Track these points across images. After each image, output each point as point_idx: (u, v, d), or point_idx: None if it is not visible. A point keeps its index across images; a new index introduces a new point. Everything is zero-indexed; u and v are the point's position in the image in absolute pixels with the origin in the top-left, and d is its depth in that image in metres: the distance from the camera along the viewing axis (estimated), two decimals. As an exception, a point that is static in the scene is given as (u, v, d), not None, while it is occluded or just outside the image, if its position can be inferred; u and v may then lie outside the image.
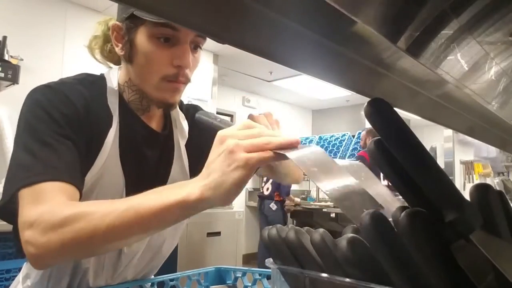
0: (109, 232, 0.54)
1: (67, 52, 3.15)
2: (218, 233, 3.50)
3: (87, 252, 0.62)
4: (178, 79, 0.74)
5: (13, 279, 0.88)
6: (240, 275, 0.95)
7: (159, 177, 0.84)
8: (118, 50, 0.78)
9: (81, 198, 0.67)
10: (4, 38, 2.54)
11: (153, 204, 0.52)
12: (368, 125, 6.30)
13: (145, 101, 0.80)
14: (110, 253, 0.79)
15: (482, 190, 0.35)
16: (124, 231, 0.55)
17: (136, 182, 0.78)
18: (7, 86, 2.56)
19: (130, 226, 0.54)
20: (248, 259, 5.39)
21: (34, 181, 0.61)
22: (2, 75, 2.41)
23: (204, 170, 0.51)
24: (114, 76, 0.81)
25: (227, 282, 0.96)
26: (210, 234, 3.44)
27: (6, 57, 2.52)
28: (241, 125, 0.52)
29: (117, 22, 0.77)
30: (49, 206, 0.59)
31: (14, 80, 2.46)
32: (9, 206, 0.65)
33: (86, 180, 0.71)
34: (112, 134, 0.75)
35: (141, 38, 0.72)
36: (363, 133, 4.10)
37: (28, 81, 2.84)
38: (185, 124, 0.89)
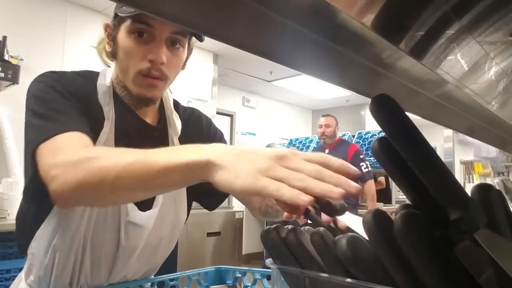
0: (116, 181, 0.55)
1: (67, 52, 3.15)
2: (218, 233, 3.50)
3: (98, 196, 0.62)
4: (151, 73, 0.77)
5: (13, 279, 0.88)
6: (240, 275, 0.94)
7: None
8: (107, 47, 0.82)
9: None
10: (4, 38, 2.54)
11: (161, 160, 0.51)
12: (368, 126, 6.28)
13: (132, 97, 0.82)
14: (107, 248, 0.80)
15: (484, 189, 0.35)
16: (129, 183, 0.55)
17: None
18: (7, 86, 2.56)
19: (135, 180, 0.54)
20: (248, 259, 5.39)
21: (48, 136, 0.66)
22: (2, 75, 2.40)
23: (237, 150, 0.47)
24: (109, 73, 0.84)
25: (227, 282, 0.96)
26: (210, 234, 3.43)
27: (6, 57, 2.52)
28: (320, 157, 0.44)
29: (109, 22, 0.82)
30: (67, 149, 0.64)
31: (14, 80, 2.46)
32: (33, 186, 0.70)
33: None
34: (108, 127, 0.78)
35: (122, 34, 0.77)
36: (324, 120, 3.74)
37: (28, 81, 2.84)
38: (178, 123, 0.92)
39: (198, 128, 0.98)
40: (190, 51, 0.88)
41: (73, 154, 0.63)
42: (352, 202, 3.34)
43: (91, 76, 0.83)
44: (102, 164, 0.57)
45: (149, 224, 0.84)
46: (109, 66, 0.88)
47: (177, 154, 0.51)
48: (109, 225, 0.79)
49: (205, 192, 0.92)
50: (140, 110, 0.85)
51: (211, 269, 0.97)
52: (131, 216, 0.81)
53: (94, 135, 0.74)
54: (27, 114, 0.73)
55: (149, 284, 0.88)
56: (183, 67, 0.88)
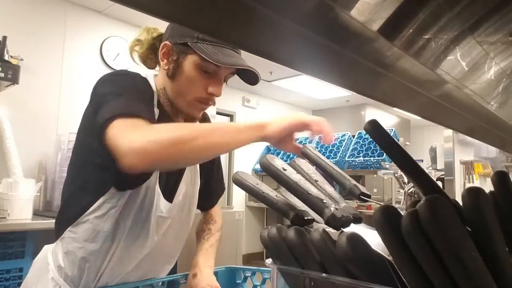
0: (206, 141, 0.71)
1: (67, 52, 3.15)
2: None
3: (184, 156, 0.74)
4: (208, 103, 0.92)
5: (13, 279, 0.90)
6: (249, 275, 0.95)
7: (180, 173, 0.96)
8: (163, 64, 0.91)
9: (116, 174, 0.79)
10: (4, 38, 2.54)
11: (237, 125, 0.75)
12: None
13: (174, 109, 0.94)
14: (138, 239, 0.89)
15: (473, 193, 0.35)
16: (217, 141, 0.72)
17: (165, 173, 0.91)
18: (7, 86, 2.55)
19: (221, 138, 0.72)
20: (248, 259, 5.39)
21: (131, 113, 0.75)
22: (2, 75, 2.40)
23: (277, 117, 0.75)
24: (152, 80, 0.95)
25: (237, 281, 0.97)
26: (210, 234, 3.43)
27: (6, 57, 2.52)
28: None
29: (168, 43, 0.90)
30: (148, 127, 0.74)
31: (14, 80, 2.46)
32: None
33: None
34: None
35: (189, 64, 0.87)
36: None
37: (28, 81, 2.85)
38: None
39: None
40: None
41: (155, 127, 0.75)
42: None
43: (146, 82, 0.93)
44: (188, 131, 0.71)
45: (171, 214, 0.93)
46: (136, 64, 0.98)
47: (243, 122, 0.74)
48: (142, 218, 0.88)
49: (206, 193, 1.08)
50: (177, 118, 0.96)
51: (221, 269, 0.98)
52: (161, 208, 0.90)
53: None
54: (101, 96, 0.81)
55: (160, 283, 0.89)
56: None
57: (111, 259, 0.87)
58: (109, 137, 0.72)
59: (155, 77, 0.96)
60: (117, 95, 0.79)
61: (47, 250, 0.95)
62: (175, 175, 0.96)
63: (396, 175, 2.73)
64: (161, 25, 0.93)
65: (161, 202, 0.90)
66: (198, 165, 1.02)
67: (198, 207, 1.10)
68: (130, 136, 0.70)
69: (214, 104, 0.93)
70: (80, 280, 0.88)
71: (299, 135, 0.82)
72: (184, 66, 0.88)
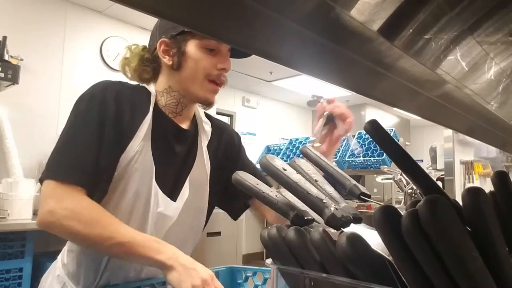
0: (108, 249, 0.80)
1: (67, 52, 3.15)
2: (218, 233, 3.50)
3: (83, 244, 0.86)
4: (220, 79, 0.94)
5: (13, 279, 0.91)
6: (250, 275, 0.95)
7: (185, 170, 0.98)
8: (165, 60, 0.94)
9: (111, 181, 0.86)
10: (4, 38, 2.54)
11: (140, 251, 0.78)
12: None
13: (180, 106, 0.97)
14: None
15: (474, 193, 0.35)
16: (115, 253, 0.81)
17: (164, 171, 0.93)
18: (7, 86, 2.55)
19: (120, 254, 0.80)
20: (248, 259, 5.39)
21: (61, 179, 0.82)
22: (2, 75, 2.40)
23: (186, 263, 0.80)
24: (151, 87, 0.98)
25: (238, 281, 0.97)
26: (210, 234, 3.43)
27: (6, 57, 2.52)
28: None
29: (165, 39, 0.93)
30: (71, 199, 0.81)
31: (14, 80, 2.46)
32: None
33: (120, 161, 0.87)
34: (145, 128, 0.90)
35: (191, 48, 0.92)
36: None
37: (28, 81, 2.85)
38: (207, 127, 1.06)
39: (231, 141, 1.13)
40: None
41: (77, 205, 0.80)
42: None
43: (138, 87, 0.98)
44: (97, 232, 0.78)
45: (175, 214, 0.94)
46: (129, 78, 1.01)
47: (151, 248, 0.79)
48: (140, 216, 0.89)
49: (228, 197, 1.08)
50: (177, 118, 0.98)
51: (222, 269, 0.98)
52: (161, 206, 0.91)
53: (129, 134, 0.88)
54: (65, 126, 0.89)
55: (161, 282, 0.90)
56: None
57: (109, 259, 0.88)
58: (42, 192, 0.84)
59: (149, 86, 0.99)
60: (62, 143, 0.87)
61: (63, 250, 1.00)
62: (181, 172, 0.97)
63: (395, 179, 2.72)
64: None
65: (160, 198, 0.90)
66: (208, 172, 1.02)
67: (230, 213, 1.12)
68: (45, 209, 0.82)
69: (224, 83, 0.96)
70: (80, 276, 0.90)
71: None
72: (188, 52, 0.92)
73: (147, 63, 0.97)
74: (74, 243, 0.90)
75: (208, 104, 0.98)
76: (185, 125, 1.01)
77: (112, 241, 0.77)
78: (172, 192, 0.94)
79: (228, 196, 1.08)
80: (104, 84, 0.92)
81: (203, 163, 1.02)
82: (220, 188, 1.05)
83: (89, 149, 0.84)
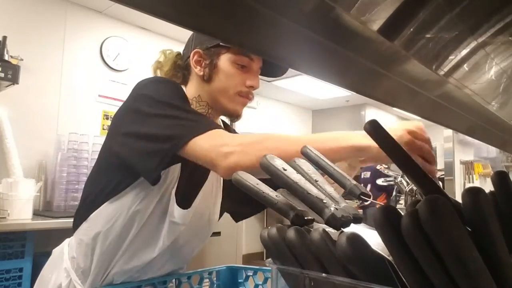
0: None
1: (67, 52, 3.15)
2: (218, 233, 3.49)
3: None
4: (248, 96, 0.97)
5: (13, 279, 0.91)
6: (251, 274, 0.95)
7: (203, 179, 0.98)
8: (196, 71, 0.96)
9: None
10: (4, 38, 2.54)
11: (333, 144, 0.74)
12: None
13: (208, 116, 0.97)
14: (148, 243, 0.90)
15: (473, 194, 0.35)
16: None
17: (187, 178, 0.92)
18: (7, 86, 2.55)
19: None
20: (248, 259, 5.39)
21: (205, 130, 0.79)
22: (2, 75, 2.40)
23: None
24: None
25: (239, 280, 0.97)
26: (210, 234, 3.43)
27: (6, 57, 2.52)
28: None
29: (199, 50, 0.96)
30: (229, 136, 0.80)
31: (14, 80, 2.46)
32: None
33: None
34: None
35: (224, 62, 0.94)
36: None
37: (28, 81, 2.85)
38: None
39: None
40: None
41: (243, 136, 0.80)
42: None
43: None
44: (282, 143, 0.76)
45: (185, 221, 0.93)
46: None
47: (343, 138, 0.75)
48: (155, 221, 0.89)
49: (239, 201, 1.06)
50: None
51: (223, 268, 0.98)
52: (175, 213, 0.90)
53: None
54: (156, 107, 0.84)
55: (162, 281, 0.90)
56: None
57: (120, 258, 0.89)
58: (197, 153, 0.78)
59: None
60: (177, 109, 0.84)
61: (66, 242, 0.99)
62: (195, 183, 0.97)
63: (396, 180, 2.72)
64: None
65: (174, 208, 0.90)
66: (221, 182, 1.03)
67: (233, 216, 1.13)
68: (219, 145, 0.76)
69: (252, 98, 0.98)
70: (89, 272, 0.90)
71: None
72: (220, 66, 0.94)
73: (179, 70, 1.00)
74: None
75: (236, 116, 0.99)
76: None
77: (299, 143, 0.70)
78: (188, 201, 0.94)
79: (243, 202, 1.07)
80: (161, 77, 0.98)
81: (218, 178, 1.02)
82: (236, 195, 1.04)
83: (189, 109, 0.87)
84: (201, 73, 0.96)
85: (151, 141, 0.82)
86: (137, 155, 0.85)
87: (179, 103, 0.87)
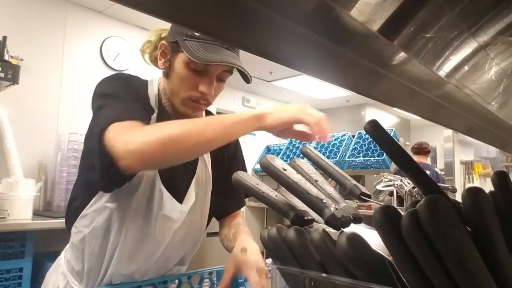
0: (199, 138, 0.72)
1: (67, 52, 3.15)
2: (218, 233, 3.49)
3: (177, 155, 0.75)
4: (199, 101, 0.89)
5: (13, 279, 0.92)
6: None
7: (187, 172, 0.96)
8: (160, 64, 0.92)
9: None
10: (4, 38, 2.54)
11: (233, 117, 0.74)
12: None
13: (175, 109, 0.94)
14: (138, 239, 0.89)
15: (473, 194, 0.35)
16: (211, 136, 0.73)
17: (168, 172, 0.89)
18: (7, 86, 2.55)
19: (215, 132, 0.73)
20: (248, 259, 5.39)
21: (126, 117, 0.76)
22: (2, 75, 2.40)
23: (278, 107, 0.76)
24: (156, 83, 0.96)
25: (239, 280, 0.97)
26: (210, 234, 3.42)
27: (6, 57, 2.52)
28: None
29: (165, 42, 0.91)
30: (140, 128, 0.75)
31: (14, 80, 2.46)
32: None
33: None
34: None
35: (179, 63, 0.87)
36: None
37: (28, 81, 2.85)
38: None
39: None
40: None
41: (148, 132, 0.74)
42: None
43: (145, 84, 0.95)
44: (182, 128, 0.72)
45: (180, 218, 0.92)
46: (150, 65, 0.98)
47: (241, 114, 0.75)
48: (142, 217, 0.88)
49: (225, 194, 1.06)
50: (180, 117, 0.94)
51: (222, 268, 0.98)
52: (167, 209, 0.89)
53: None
54: (98, 101, 0.83)
55: (162, 281, 0.90)
56: None
57: (113, 256, 0.88)
58: (106, 142, 0.73)
59: (160, 79, 0.97)
60: (112, 99, 0.82)
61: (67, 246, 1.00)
62: (186, 175, 0.96)
63: (396, 184, 2.70)
64: (166, 28, 0.94)
65: (167, 202, 0.89)
66: (210, 172, 1.01)
67: (216, 214, 1.10)
68: (125, 139, 0.71)
69: (208, 103, 0.91)
70: (83, 273, 0.90)
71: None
72: (175, 65, 0.88)
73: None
74: (165, 159, 0.76)
75: (187, 117, 0.91)
76: None
77: (201, 124, 0.74)
78: (179, 195, 0.94)
79: (226, 190, 1.07)
80: (123, 73, 0.94)
81: (206, 167, 1.01)
82: (218, 188, 1.05)
83: (133, 103, 0.84)
84: (163, 67, 0.92)
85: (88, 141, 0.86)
86: (83, 162, 0.92)
87: (111, 91, 0.84)
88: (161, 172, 0.89)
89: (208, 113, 1.08)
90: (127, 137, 0.72)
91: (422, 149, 4.39)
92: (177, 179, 0.93)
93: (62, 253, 0.99)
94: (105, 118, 0.77)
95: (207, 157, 1.01)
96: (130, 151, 0.70)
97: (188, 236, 0.98)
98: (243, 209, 1.16)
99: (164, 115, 0.92)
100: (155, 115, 0.91)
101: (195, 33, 0.83)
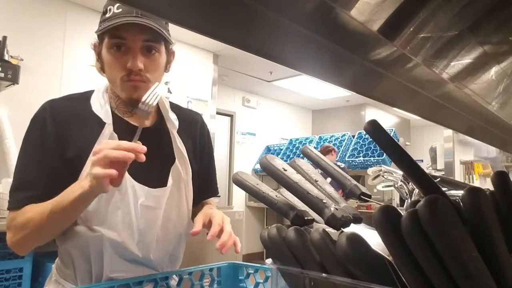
0: (46, 226, 0.80)
1: (67, 52, 3.15)
2: (218, 233, 3.49)
3: (39, 238, 0.85)
4: (131, 77, 0.87)
5: (13, 279, 0.93)
6: (252, 272, 0.95)
7: (164, 160, 0.96)
8: (96, 64, 0.93)
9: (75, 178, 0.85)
10: (4, 38, 2.54)
11: (66, 200, 0.77)
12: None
13: (121, 105, 0.94)
14: (124, 234, 0.88)
15: (473, 194, 0.35)
16: (56, 221, 0.81)
17: (138, 169, 0.86)
18: (7, 86, 2.55)
19: (57, 218, 0.79)
20: (248, 259, 5.39)
21: (18, 206, 0.85)
22: (2, 75, 2.40)
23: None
24: (105, 87, 0.97)
25: (239, 277, 0.97)
26: (210, 234, 3.42)
27: (6, 57, 2.52)
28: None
29: (95, 41, 0.92)
30: (20, 216, 0.84)
31: (14, 80, 2.46)
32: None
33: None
34: (108, 130, 0.88)
35: (104, 51, 0.89)
36: None
37: (28, 81, 2.85)
38: (174, 118, 1.01)
39: (194, 127, 1.09)
40: (171, 55, 0.99)
41: (20, 220, 0.83)
42: None
43: (86, 96, 0.95)
44: (34, 222, 0.80)
45: (161, 204, 0.92)
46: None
47: (68, 193, 0.77)
48: (122, 214, 0.87)
49: (200, 181, 1.05)
50: (134, 116, 0.95)
51: (224, 265, 0.98)
52: (143, 197, 0.89)
53: (88, 147, 0.86)
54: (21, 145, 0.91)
55: (164, 277, 0.90)
56: (166, 70, 0.98)
57: (100, 251, 0.87)
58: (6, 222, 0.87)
59: (106, 85, 0.98)
60: (21, 159, 0.90)
61: None
62: (157, 162, 0.94)
63: (396, 185, 2.69)
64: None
65: (138, 189, 0.88)
66: (186, 155, 0.99)
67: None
68: (8, 234, 0.85)
69: (147, 80, 0.89)
70: (75, 276, 0.89)
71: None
72: (103, 55, 0.90)
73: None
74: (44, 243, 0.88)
75: (134, 101, 0.90)
76: (148, 122, 0.98)
77: (45, 216, 0.79)
78: (157, 180, 0.93)
79: (201, 188, 1.06)
80: (44, 104, 0.96)
81: (182, 152, 0.99)
82: (193, 174, 1.02)
83: (33, 168, 0.87)
84: (99, 66, 0.92)
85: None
86: None
87: (24, 147, 0.90)
88: (130, 165, 0.86)
89: (173, 105, 1.07)
90: (9, 233, 0.85)
91: (327, 151, 4.60)
92: (147, 167, 0.85)
93: (53, 266, 0.98)
94: (11, 189, 0.88)
95: (179, 140, 0.99)
96: (12, 245, 0.85)
97: (175, 225, 0.97)
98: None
99: (119, 123, 0.92)
100: (110, 127, 0.89)
101: (107, 15, 0.85)
